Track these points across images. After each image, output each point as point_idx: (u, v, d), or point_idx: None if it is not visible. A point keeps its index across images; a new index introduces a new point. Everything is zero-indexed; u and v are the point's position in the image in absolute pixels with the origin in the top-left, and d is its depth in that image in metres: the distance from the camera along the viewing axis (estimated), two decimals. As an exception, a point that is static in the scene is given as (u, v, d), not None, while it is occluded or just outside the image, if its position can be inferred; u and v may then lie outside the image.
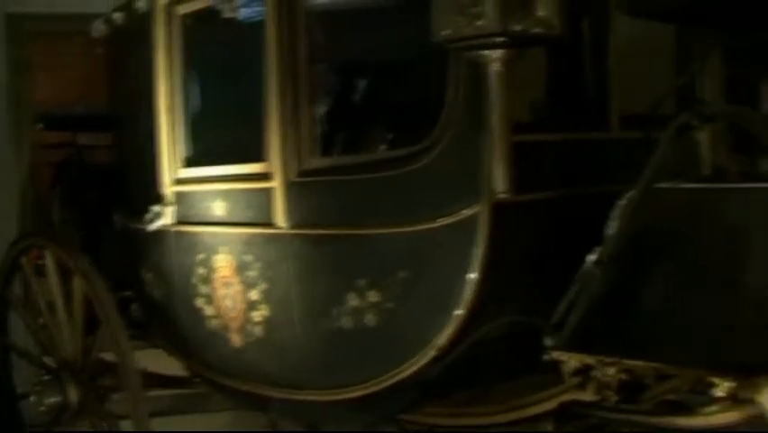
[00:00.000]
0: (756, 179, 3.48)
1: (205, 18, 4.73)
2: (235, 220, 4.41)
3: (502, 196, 3.42)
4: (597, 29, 4.13)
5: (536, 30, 3.30)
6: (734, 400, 3.10)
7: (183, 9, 4.75)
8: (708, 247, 3.35)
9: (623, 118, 4.06)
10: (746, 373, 3.07)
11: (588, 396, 3.54)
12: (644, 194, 3.39)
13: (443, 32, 3.33)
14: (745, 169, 3.74)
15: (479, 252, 3.52)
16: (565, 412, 3.67)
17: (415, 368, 3.80)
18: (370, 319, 3.86)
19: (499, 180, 3.40)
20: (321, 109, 4.40)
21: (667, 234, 3.43)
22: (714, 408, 3.17)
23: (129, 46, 5.21)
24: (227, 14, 4.61)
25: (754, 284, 3.22)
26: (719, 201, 3.39)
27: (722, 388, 3.18)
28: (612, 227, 3.45)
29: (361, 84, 4.68)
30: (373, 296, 3.83)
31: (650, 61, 4.23)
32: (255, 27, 4.32)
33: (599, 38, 4.12)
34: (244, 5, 4.62)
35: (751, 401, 3.06)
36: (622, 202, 3.46)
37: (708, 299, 3.30)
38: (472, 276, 3.54)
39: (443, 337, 3.67)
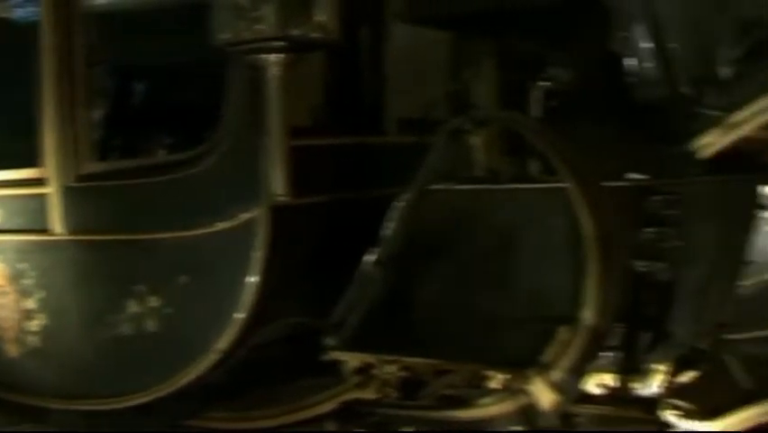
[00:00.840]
0: (526, 179, 3.61)
1: (-23, 17, 4.58)
2: (9, 227, 4.27)
3: (280, 199, 3.45)
4: (374, 35, 4.20)
5: (315, 34, 3.35)
6: (507, 391, 3.23)
7: (-48, 7, 4.58)
8: (482, 246, 3.47)
9: (399, 122, 4.14)
10: (518, 365, 3.20)
11: (369, 394, 3.60)
12: (418, 195, 3.48)
13: (223, 36, 3.34)
14: (516, 170, 3.88)
15: (258, 255, 3.53)
16: (347, 411, 3.72)
17: (197, 372, 3.77)
18: (150, 325, 3.81)
19: (278, 184, 3.43)
20: (99, 113, 4.31)
21: (443, 234, 3.53)
22: (489, 399, 3.29)
23: None
24: (0, 14, 4.47)
25: (523, 280, 3.36)
26: (491, 201, 3.51)
27: (496, 380, 3.31)
28: (389, 228, 3.53)
29: (141, 87, 4.61)
30: (153, 301, 3.79)
31: (427, 67, 4.33)
32: (30, 28, 4.20)
33: (376, 44, 4.19)
34: (19, 5, 4.49)
35: (523, 391, 3.19)
36: (398, 204, 3.53)
37: (481, 296, 3.42)
38: (252, 279, 3.55)
39: (224, 341, 3.66)
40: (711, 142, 3.12)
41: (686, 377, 3.93)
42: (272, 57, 3.38)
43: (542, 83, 4.03)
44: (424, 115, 3.97)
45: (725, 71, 3.49)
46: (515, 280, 3.38)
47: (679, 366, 3.84)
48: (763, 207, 5.33)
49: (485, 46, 4.16)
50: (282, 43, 3.34)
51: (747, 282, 5.31)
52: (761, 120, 3.10)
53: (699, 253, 3.34)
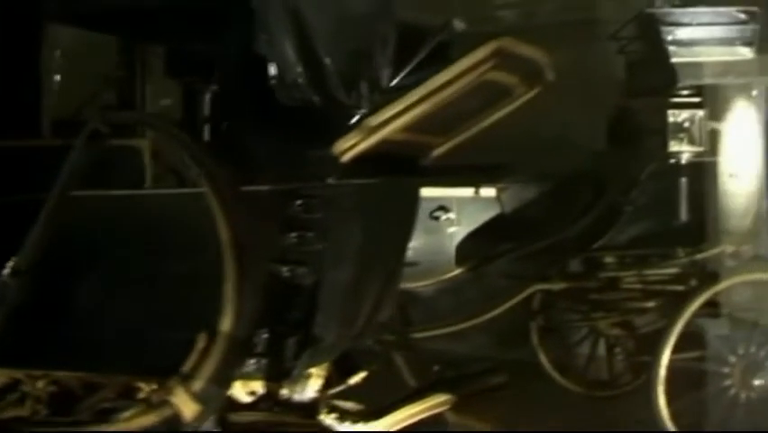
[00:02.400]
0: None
1: None
2: None
3: None
4: (29, 35, 4.00)
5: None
6: (148, 403, 3.14)
7: None
8: (131, 253, 3.36)
9: (55, 124, 3.97)
10: (161, 375, 3.12)
11: (25, 412, 3.44)
12: (58, 201, 3.31)
13: None
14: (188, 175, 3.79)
15: None
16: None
17: None
18: None
19: None
20: None
21: (91, 241, 3.39)
22: (131, 412, 3.18)
23: None
24: None
25: (172, 288, 3.27)
26: (139, 206, 3.41)
27: (144, 392, 3.22)
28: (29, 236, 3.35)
29: None
30: None
31: (88, 68, 4.20)
32: None
33: (32, 44, 3.99)
34: None
35: (166, 403, 3.11)
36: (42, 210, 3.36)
37: (130, 305, 3.31)
38: None
39: None
40: (351, 145, 3.12)
41: (356, 378, 3.98)
42: None
43: (197, 85, 3.99)
44: (79, 116, 3.81)
45: (372, 75, 3.53)
46: (164, 287, 3.29)
47: (344, 368, 3.88)
48: (444, 209, 5.54)
49: (150, 46, 4.06)
50: None
51: (427, 282, 5.50)
52: (397, 123, 3.12)
53: (347, 256, 3.35)
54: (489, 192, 5.54)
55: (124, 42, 4.19)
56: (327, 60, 3.34)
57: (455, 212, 5.48)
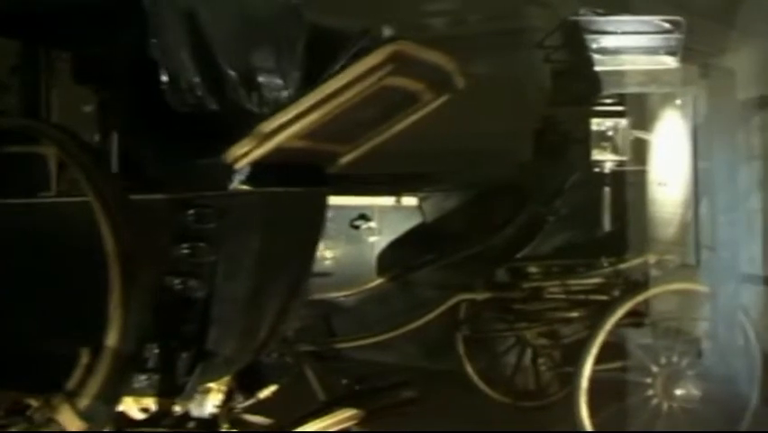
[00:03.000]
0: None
1: None
2: None
3: None
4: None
5: None
6: (33, 420, 3.03)
7: None
8: (23, 264, 3.24)
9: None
10: (47, 391, 3.01)
11: None
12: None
13: None
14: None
15: None
16: None
17: None
18: None
19: None
20: None
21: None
22: (16, 430, 3.07)
23: None
24: None
25: (62, 300, 3.16)
26: (32, 215, 3.29)
27: (32, 409, 3.11)
28: None
29: None
30: None
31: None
32: None
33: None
34: None
35: (52, 421, 3.00)
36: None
37: (21, 318, 3.19)
38: None
39: None
40: (244, 153, 3.02)
41: (265, 392, 3.88)
42: None
43: (102, 92, 3.87)
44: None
45: (277, 79, 3.44)
46: (55, 300, 3.17)
47: (252, 381, 3.78)
48: (365, 218, 5.45)
49: (45, 52, 3.94)
50: None
51: (349, 292, 5.41)
52: (292, 130, 3.02)
53: (243, 268, 3.25)
54: (410, 201, 5.45)
55: (26, 47, 4.06)
56: (225, 64, 3.25)
57: (376, 221, 5.39)
